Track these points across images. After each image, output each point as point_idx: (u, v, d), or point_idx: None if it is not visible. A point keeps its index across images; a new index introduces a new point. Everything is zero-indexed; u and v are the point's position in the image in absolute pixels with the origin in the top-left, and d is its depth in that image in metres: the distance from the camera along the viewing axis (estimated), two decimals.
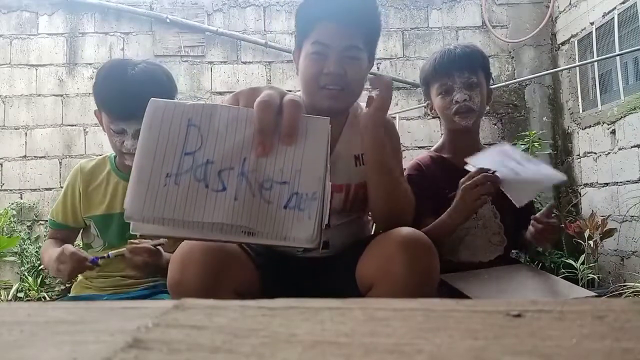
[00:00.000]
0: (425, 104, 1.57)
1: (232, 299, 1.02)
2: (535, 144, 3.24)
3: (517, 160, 1.24)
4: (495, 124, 3.64)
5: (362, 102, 1.25)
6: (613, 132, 3.00)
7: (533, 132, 3.33)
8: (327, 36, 1.17)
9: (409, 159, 1.60)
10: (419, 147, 3.51)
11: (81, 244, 1.51)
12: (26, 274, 3.28)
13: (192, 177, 0.56)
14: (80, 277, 1.44)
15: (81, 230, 1.48)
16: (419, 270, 1.02)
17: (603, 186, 3.11)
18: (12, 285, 3.20)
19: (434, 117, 3.55)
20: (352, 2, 1.20)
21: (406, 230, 1.08)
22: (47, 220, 2.59)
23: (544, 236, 1.33)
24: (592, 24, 3.22)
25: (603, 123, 3.09)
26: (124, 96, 1.27)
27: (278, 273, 1.19)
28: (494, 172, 1.22)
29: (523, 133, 3.40)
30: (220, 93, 3.59)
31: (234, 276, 1.05)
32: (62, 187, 1.52)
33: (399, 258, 1.03)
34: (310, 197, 0.57)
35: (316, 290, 1.16)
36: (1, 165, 3.51)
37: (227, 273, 1.03)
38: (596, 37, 3.19)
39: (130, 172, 0.56)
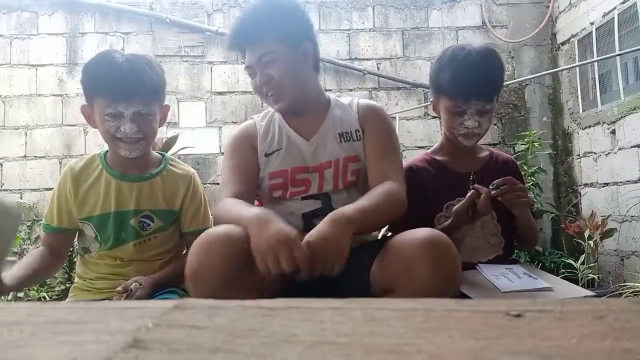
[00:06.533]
0: (430, 102, 1.56)
1: (253, 294, 0.98)
2: (535, 144, 3.24)
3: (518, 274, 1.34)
4: (495, 124, 3.64)
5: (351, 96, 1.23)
6: (613, 132, 3.00)
7: (533, 132, 3.33)
8: (247, 60, 1.33)
9: (408, 158, 1.60)
10: (419, 147, 3.51)
11: (79, 249, 1.49)
12: None
13: None
14: (78, 279, 1.44)
15: (77, 234, 1.47)
16: (443, 271, 0.99)
17: (603, 186, 3.11)
18: None
19: (434, 117, 3.55)
20: (244, 23, 1.33)
21: (426, 231, 1.05)
22: None
23: (513, 201, 1.33)
24: (592, 24, 3.22)
25: (603, 123, 3.09)
26: (122, 75, 1.31)
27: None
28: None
29: (523, 133, 3.40)
30: (220, 93, 3.59)
31: (256, 273, 1.01)
32: None
33: (422, 260, 0.99)
34: None
35: (329, 291, 1.12)
36: (1, 165, 3.51)
37: (251, 268, 1.00)
38: (596, 37, 3.19)
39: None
